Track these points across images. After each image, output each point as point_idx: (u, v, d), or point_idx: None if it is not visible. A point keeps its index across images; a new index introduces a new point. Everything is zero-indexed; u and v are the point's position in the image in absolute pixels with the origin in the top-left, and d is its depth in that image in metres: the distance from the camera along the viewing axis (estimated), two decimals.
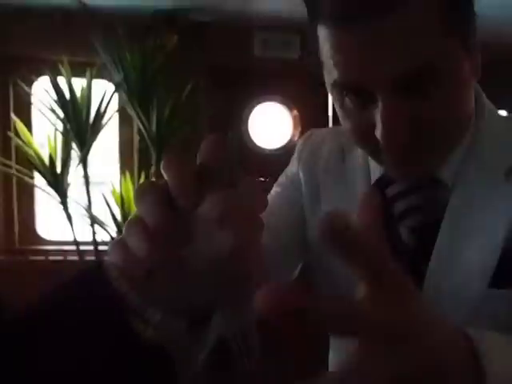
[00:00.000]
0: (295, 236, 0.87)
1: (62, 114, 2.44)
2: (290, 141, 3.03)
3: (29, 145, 2.51)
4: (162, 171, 0.44)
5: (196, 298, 0.46)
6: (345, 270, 0.34)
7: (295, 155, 0.93)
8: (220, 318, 0.49)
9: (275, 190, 0.92)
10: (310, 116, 2.95)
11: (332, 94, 0.70)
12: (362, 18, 0.61)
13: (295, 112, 3.05)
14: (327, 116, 2.81)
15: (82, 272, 0.47)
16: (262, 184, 0.47)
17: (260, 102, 3.03)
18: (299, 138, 3.20)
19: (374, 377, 0.34)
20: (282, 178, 0.94)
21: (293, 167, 0.92)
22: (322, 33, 0.66)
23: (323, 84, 0.73)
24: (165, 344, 0.45)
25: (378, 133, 0.65)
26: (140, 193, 0.45)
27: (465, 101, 0.69)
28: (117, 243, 0.46)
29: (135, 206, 0.45)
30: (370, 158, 0.79)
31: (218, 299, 0.47)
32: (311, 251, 0.86)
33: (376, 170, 0.80)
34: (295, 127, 3.06)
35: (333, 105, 0.74)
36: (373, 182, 0.81)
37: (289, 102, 3.04)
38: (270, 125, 3.06)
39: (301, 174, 0.90)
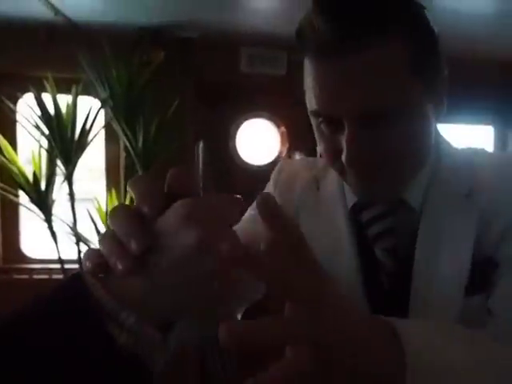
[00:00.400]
0: None
1: (46, 131, 2.41)
2: (278, 157, 3.02)
3: (13, 162, 2.48)
4: (129, 189, 0.49)
5: (164, 301, 0.48)
6: None
7: (271, 182, 0.99)
8: (185, 322, 0.50)
9: (249, 212, 0.96)
10: (297, 132, 2.96)
11: (311, 119, 0.80)
12: (338, 53, 0.70)
13: (283, 128, 3.05)
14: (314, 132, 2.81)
15: (63, 283, 0.48)
16: (235, 199, 0.50)
17: (247, 119, 3.03)
18: (287, 154, 3.17)
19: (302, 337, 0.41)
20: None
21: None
22: (307, 65, 0.76)
23: None
24: (138, 350, 0.46)
25: (343, 156, 0.73)
26: (112, 211, 0.49)
27: (422, 137, 0.77)
28: (89, 249, 0.50)
29: (109, 224, 0.49)
30: (344, 184, 0.87)
31: (186, 304, 0.48)
32: None
33: (351, 197, 0.87)
34: (283, 143, 3.06)
35: None
36: (349, 207, 0.88)
37: (276, 118, 3.04)
38: (258, 141, 3.06)
39: (277, 199, 0.92)
